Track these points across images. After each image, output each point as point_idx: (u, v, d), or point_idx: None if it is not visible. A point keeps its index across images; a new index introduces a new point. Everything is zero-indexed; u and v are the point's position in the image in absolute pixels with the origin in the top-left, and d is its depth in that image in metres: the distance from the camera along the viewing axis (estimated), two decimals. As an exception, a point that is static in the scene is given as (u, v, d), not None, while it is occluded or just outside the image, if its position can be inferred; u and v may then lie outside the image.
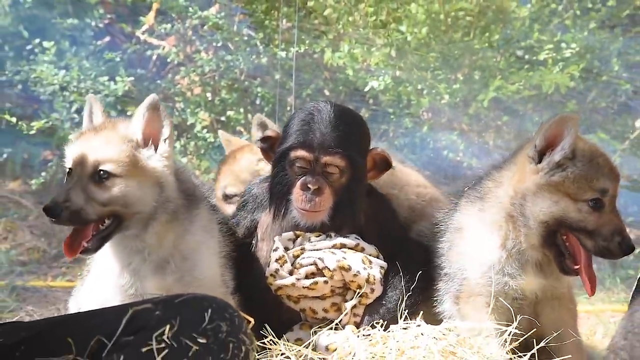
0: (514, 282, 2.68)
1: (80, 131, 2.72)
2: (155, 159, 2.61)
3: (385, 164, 2.88)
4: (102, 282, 2.72)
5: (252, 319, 2.15)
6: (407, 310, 2.65)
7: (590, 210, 2.60)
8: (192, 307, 2.03)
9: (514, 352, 2.53)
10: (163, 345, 1.92)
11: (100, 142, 2.57)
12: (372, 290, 2.74)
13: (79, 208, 2.46)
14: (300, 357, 2.53)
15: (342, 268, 2.70)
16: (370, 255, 2.79)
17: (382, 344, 2.49)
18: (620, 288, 5.21)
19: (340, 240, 2.80)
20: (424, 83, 5.78)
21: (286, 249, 2.80)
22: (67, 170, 2.59)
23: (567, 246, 2.65)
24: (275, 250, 2.78)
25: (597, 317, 4.41)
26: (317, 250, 2.77)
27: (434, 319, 2.70)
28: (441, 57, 5.81)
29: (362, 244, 2.81)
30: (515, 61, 5.77)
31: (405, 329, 2.53)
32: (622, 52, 5.78)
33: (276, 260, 2.75)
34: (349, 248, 2.78)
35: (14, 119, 5.84)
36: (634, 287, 2.92)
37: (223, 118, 6.09)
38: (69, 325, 2.14)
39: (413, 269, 2.78)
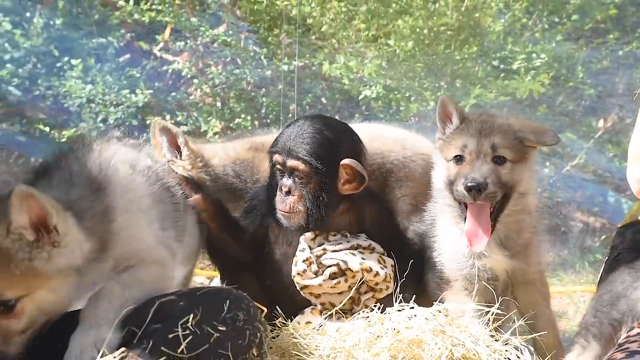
0: (480, 263, 2.65)
1: None
2: (56, 256, 1.94)
3: (361, 177, 2.76)
4: None
5: (265, 308, 2.15)
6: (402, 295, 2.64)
7: (454, 165, 2.60)
8: (213, 298, 2.03)
9: (496, 331, 2.53)
10: (188, 332, 1.91)
11: None
12: (387, 287, 2.74)
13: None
14: (306, 336, 2.52)
15: (364, 270, 2.69)
16: (382, 255, 2.79)
17: (380, 324, 2.48)
18: (589, 271, 5.24)
19: (355, 241, 2.78)
20: (411, 91, 5.78)
21: (309, 248, 2.77)
22: None
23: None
24: (302, 250, 2.75)
25: (569, 297, 4.41)
26: (337, 251, 2.75)
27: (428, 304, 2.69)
28: (426, 68, 5.82)
29: (373, 244, 2.80)
30: (492, 70, 5.78)
31: (400, 311, 2.52)
32: (586, 60, 5.80)
33: (303, 261, 2.72)
34: (363, 248, 2.78)
35: (47, 129, 5.85)
36: (601, 270, 2.92)
37: (232, 125, 6.08)
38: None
39: (408, 262, 2.76)
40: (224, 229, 2.85)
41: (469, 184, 2.49)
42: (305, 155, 2.68)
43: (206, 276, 4.48)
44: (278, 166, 2.75)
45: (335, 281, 2.69)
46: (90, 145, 2.25)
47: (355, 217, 2.86)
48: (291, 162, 2.70)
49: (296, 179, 2.71)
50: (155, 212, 2.31)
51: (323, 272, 2.70)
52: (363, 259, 2.72)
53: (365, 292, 2.73)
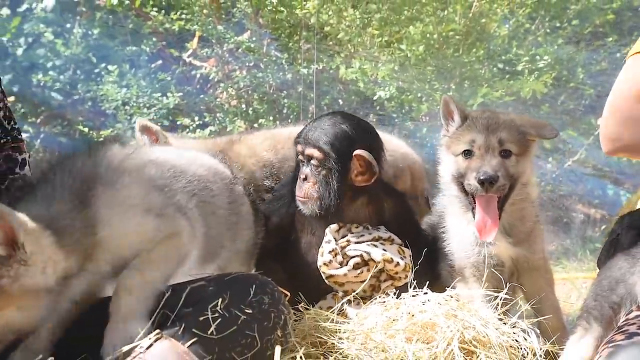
0: (486, 250, 2.61)
1: None
2: (23, 275, 1.75)
3: (372, 167, 2.74)
4: None
5: (288, 293, 2.14)
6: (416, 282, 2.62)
7: (463, 160, 2.56)
8: (240, 283, 2.01)
9: (504, 314, 2.50)
10: (217, 315, 1.90)
11: None
12: (406, 276, 2.71)
13: None
14: (326, 320, 2.51)
15: (386, 260, 2.67)
16: (401, 246, 2.77)
17: (396, 308, 2.46)
18: (590, 259, 5.20)
19: (377, 233, 2.76)
20: (422, 92, 5.75)
21: (334, 239, 2.75)
22: None
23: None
24: (329, 242, 2.73)
25: (572, 283, 4.37)
26: (360, 243, 2.73)
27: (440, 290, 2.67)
28: (436, 71, 5.80)
29: (392, 235, 2.78)
30: (498, 72, 5.76)
31: (414, 296, 2.50)
32: (586, 62, 5.76)
33: (329, 252, 2.71)
34: (384, 240, 2.76)
35: (86, 129, 5.91)
36: (600, 253, 2.89)
37: (256, 125, 6.09)
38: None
39: (422, 251, 2.74)
40: None
41: (481, 177, 2.47)
42: (321, 144, 2.69)
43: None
44: (300, 156, 2.75)
45: (358, 271, 2.68)
46: (77, 154, 2.05)
47: (375, 210, 2.85)
48: (308, 150, 2.71)
49: (312, 166, 2.71)
50: (150, 200, 2.04)
51: (347, 262, 2.70)
52: (384, 250, 2.70)
53: (385, 280, 2.71)
